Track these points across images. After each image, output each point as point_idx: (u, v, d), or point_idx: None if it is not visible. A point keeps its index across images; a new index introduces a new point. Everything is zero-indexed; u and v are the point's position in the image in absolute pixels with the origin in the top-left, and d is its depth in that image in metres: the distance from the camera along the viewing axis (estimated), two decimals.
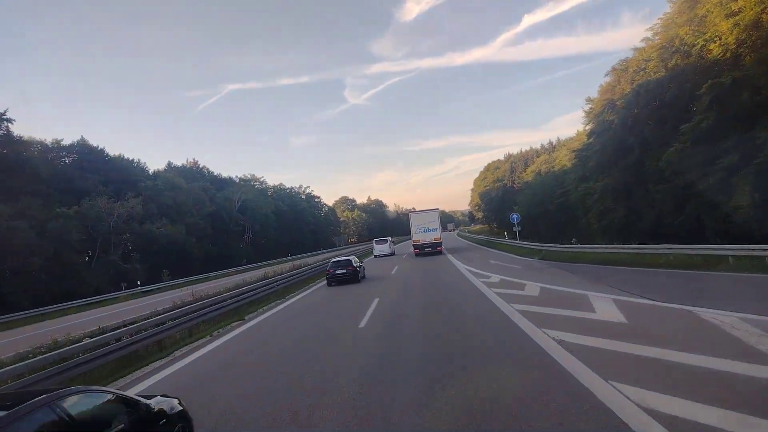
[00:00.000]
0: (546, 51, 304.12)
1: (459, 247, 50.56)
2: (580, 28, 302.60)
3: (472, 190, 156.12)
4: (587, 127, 35.63)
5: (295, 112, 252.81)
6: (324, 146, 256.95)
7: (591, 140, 32.43)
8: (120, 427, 3.52)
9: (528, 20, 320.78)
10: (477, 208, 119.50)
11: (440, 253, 35.12)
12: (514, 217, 39.61)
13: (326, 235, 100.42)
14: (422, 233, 35.71)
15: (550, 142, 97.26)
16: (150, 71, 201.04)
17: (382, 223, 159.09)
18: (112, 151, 63.85)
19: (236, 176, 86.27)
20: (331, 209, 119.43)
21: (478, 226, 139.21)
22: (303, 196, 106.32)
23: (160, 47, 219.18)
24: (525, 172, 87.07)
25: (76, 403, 3.39)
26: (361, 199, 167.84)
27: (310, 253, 75.44)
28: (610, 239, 26.83)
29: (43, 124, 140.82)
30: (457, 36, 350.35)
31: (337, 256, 28.92)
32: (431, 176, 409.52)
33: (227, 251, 65.66)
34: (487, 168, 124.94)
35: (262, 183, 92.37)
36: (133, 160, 60.29)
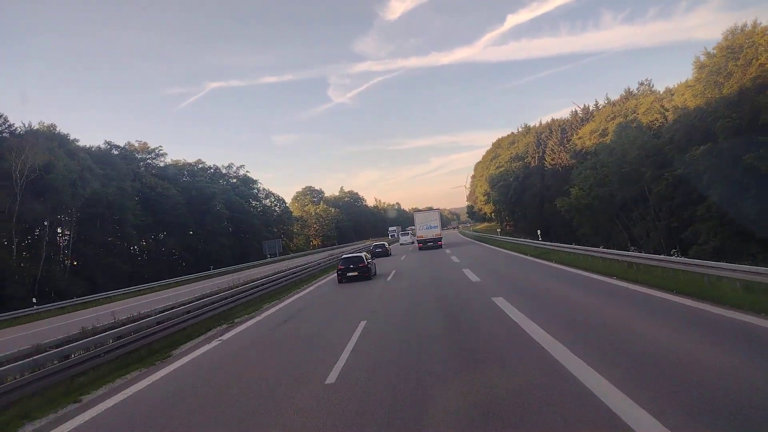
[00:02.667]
0: (530, 51, 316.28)
1: None
2: (563, 28, 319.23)
3: (473, 177, 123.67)
4: None
5: (279, 111, 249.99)
6: (308, 145, 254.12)
7: None
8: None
9: (512, 20, 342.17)
10: (485, 199, 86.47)
11: (440, 247, 39.37)
12: None
13: (263, 237, 66.21)
14: (425, 230, 40.25)
15: (586, 108, 64.87)
16: (130, 68, 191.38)
17: (357, 222, 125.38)
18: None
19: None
20: (280, 200, 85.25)
21: (482, 224, 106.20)
22: (233, 180, 72.26)
23: (140, 44, 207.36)
24: (578, 136, 54.50)
25: None
26: (331, 191, 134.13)
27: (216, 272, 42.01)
28: None
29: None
30: (442, 36, 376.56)
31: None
32: (416, 175, 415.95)
33: None
34: (498, 144, 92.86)
35: (152, 154, 57.82)
36: None
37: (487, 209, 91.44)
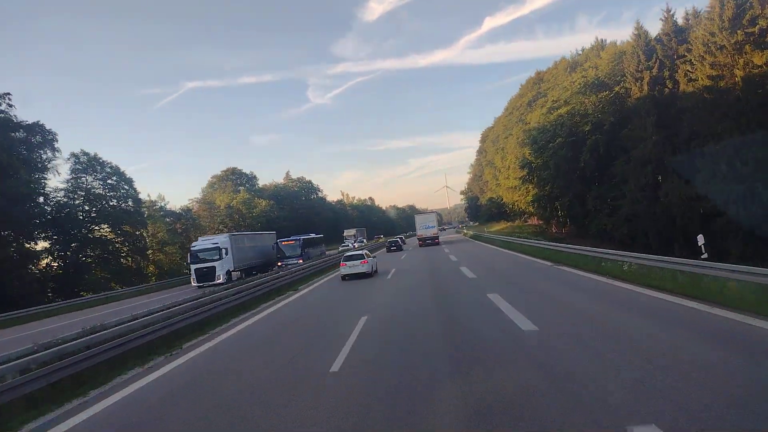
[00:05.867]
0: (507, 54, 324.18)
1: None
2: (539, 32, 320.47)
3: (476, 160, 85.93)
4: None
5: (258, 112, 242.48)
6: (287, 145, 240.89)
7: None
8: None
9: (489, 23, 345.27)
10: (514, 182, 47.45)
11: (438, 244, 42.19)
12: None
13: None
14: (424, 229, 44.16)
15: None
16: (103, 66, 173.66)
17: (307, 220, 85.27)
18: None
19: None
20: (131, 188, 43.51)
21: (498, 224, 66.72)
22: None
23: (113, 41, 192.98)
24: None
25: None
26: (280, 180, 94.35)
27: None
28: None
29: None
30: (420, 38, 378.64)
31: None
32: (397, 176, 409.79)
33: None
34: (531, 82, 54.34)
35: None
36: None
37: (517, 197, 52.97)
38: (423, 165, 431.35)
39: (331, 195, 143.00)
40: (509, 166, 53.55)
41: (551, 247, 22.71)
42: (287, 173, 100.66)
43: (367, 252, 22.38)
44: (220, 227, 59.96)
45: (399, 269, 22.94)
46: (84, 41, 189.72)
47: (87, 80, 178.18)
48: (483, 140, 79.97)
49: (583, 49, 47.43)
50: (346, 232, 71.24)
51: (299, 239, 35.84)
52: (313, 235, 41.78)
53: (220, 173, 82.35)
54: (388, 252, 40.34)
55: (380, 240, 71.26)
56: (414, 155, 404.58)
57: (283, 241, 36.15)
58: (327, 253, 42.36)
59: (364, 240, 70.86)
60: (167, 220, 51.82)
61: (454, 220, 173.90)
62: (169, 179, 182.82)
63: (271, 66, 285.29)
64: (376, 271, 21.70)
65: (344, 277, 20.28)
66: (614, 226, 38.13)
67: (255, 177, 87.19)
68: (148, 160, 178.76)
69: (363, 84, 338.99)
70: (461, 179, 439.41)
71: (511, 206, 61.56)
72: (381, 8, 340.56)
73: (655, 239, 35.74)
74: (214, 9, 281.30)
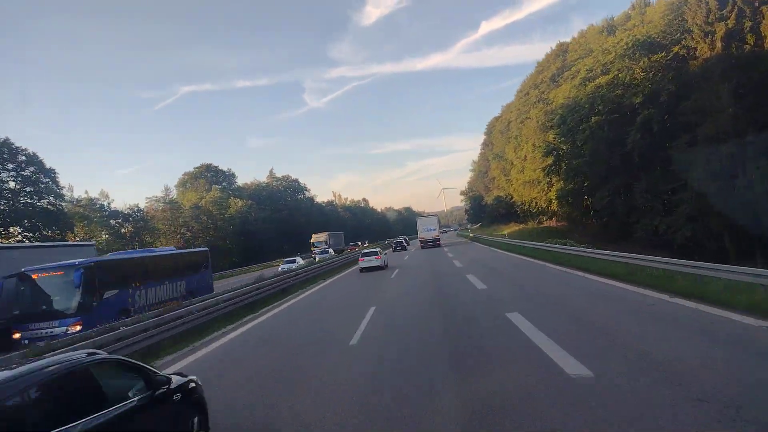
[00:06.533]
0: (503, 58, 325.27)
1: None
2: (535, 35, 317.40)
3: (481, 154, 77.15)
4: None
5: (254, 115, 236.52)
6: (283, 149, 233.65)
7: None
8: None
9: (485, 27, 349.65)
10: (545, 170, 38.44)
11: (439, 246, 42.38)
12: None
13: None
14: (426, 232, 44.36)
15: None
16: (98, 68, 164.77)
17: (293, 222, 76.49)
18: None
19: None
20: (53, 182, 34.13)
21: (512, 226, 57.50)
22: None
23: (106, 43, 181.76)
24: None
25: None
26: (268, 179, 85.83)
27: None
28: None
29: None
30: (416, 41, 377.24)
31: None
32: (394, 179, 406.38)
33: None
34: (553, 55, 45.47)
35: None
36: None
37: (536, 194, 44.18)
38: (420, 168, 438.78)
39: (326, 196, 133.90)
40: (525, 156, 44.87)
41: (591, 255, 15.09)
42: (271, 170, 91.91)
43: (380, 249, 27.13)
44: (182, 230, 50.82)
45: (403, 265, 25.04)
46: (80, 43, 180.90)
47: (82, 82, 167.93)
48: (489, 131, 71.18)
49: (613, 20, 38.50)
50: (314, 237, 56.02)
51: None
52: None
53: (193, 170, 73.29)
54: (393, 252, 43.47)
55: (356, 249, 51.18)
56: (411, 158, 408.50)
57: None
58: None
59: (345, 246, 59.80)
60: (112, 222, 42.74)
61: (453, 223, 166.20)
62: (167, 181, 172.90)
63: (268, 70, 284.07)
64: (386, 265, 25.11)
65: (362, 270, 24.03)
66: (671, 228, 29.44)
67: (233, 175, 78.20)
68: (142, 162, 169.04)
69: (360, 87, 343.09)
70: (458, 183, 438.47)
71: (524, 205, 52.81)
72: (377, 12, 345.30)
73: (734, 244, 27.17)
74: (210, 13, 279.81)
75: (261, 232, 62.46)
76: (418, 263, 25.55)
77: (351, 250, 53.88)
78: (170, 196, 56.14)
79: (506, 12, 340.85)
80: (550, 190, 41.02)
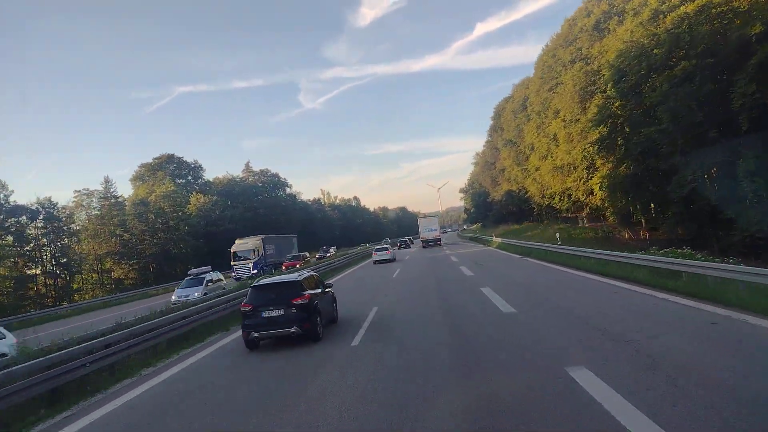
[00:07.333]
0: (499, 59, 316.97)
1: None
2: (531, 37, 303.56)
3: (490, 139, 66.97)
4: None
5: (249, 116, 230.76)
6: (279, 150, 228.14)
7: None
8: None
9: (481, 29, 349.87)
10: (595, 144, 28.19)
11: (440, 245, 45.12)
12: None
13: None
14: (427, 232, 46.86)
15: None
16: (86, 69, 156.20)
17: (268, 222, 65.87)
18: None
19: None
20: None
21: (525, 226, 47.88)
22: None
23: (99, 43, 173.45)
24: None
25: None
26: (235, 173, 75.41)
27: None
28: None
29: None
30: (412, 43, 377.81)
31: None
32: (389, 180, 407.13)
33: None
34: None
35: None
36: None
37: (571, 182, 34.24)
38: (415, 169, 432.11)
39: (318, 196, 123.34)
40: (554, 134, 34.96)
41: None
42: (247, 164, 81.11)
43: (389, 245, 36.66)
44: (118, 231, 40.15)
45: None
46: (76, 44, 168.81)
47: (78, 83, 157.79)
48: (497, 115, 61.34)
49: None
50: (238, 244, 36.35)
51: None
52: None
53: (151, 161, 62.59)
54: (399, 249, 48.14)
55: (299, 264, 35.21)
56: (406, 159, 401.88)
57: None
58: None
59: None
60: (12, 220, 32.19)
61: (453, 224, 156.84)
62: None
63: (263, 70, 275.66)
64: (394, 259, 31.26)
65: (375, 262, 30.48)
66: None
67: (200, 167, 67.55)
68: (137, 162, 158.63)
69: (355, 88, 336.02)
70: (454, 184, 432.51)
71: (547, 199, 42.94)
72: (373, 13, 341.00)
73: None
74: (205, 14, 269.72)
75: (227, 234, 51.73)
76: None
77: (304, 260, 39.41)
78: (112, 191, 45.50)
79: (501, 14, 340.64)
80: (592, 176, 31.05)
